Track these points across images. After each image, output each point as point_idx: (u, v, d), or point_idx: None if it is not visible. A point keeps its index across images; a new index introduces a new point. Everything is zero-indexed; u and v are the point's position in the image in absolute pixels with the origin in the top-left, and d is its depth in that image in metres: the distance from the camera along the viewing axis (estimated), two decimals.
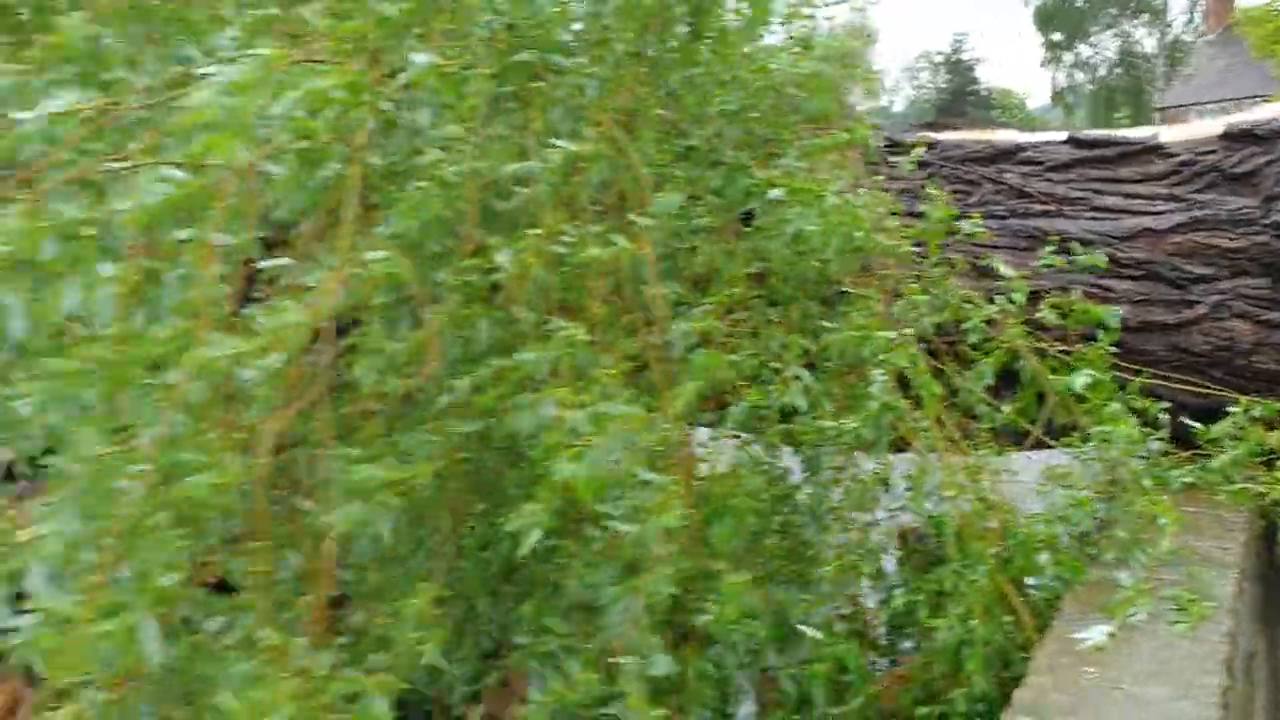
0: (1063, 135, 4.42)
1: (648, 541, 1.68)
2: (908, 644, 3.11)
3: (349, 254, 1.72)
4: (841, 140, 2.82)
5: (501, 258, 1.95)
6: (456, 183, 2.02)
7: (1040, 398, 3.27)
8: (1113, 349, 3.25)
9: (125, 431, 1.54)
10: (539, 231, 1.99)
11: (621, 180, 2.28)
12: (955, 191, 3.96)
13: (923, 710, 2.61)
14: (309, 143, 1.69)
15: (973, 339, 3.18)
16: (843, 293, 3.01)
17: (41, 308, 1.55)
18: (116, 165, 1.66)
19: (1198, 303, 3.57)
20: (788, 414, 2.62)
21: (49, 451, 2.38)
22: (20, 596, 1.77)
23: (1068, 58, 46.32)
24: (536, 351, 1.88)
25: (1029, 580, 2.81)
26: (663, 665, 1.74)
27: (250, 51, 1.84)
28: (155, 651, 1.44)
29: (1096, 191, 4.03)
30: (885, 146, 3.77)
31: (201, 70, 1.93)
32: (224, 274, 1.63)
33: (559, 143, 2.09)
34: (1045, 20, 45.74)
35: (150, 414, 1.52)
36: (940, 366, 3.03)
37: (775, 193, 2.51)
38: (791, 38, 3.04)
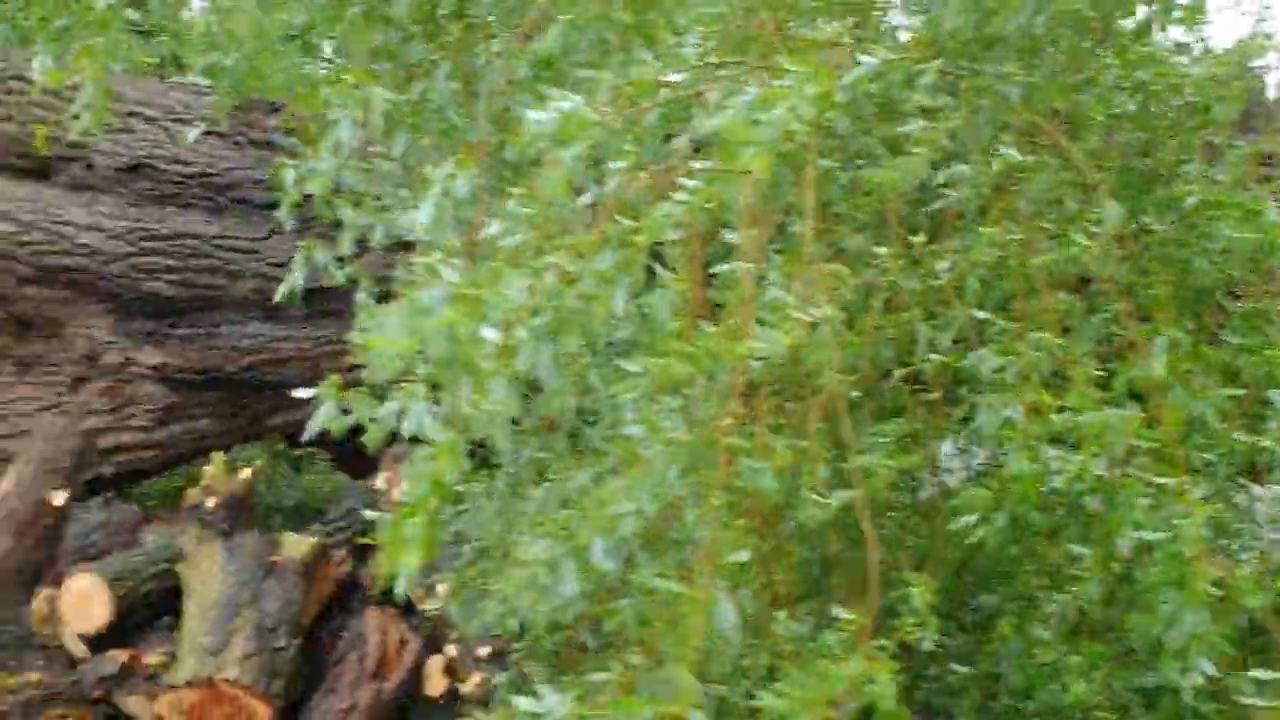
0: None
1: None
2: None
3: (812, 255, 1.79)
4: (1262, 149, 2.69)
5: (941, 264, 1.98)
6: (883, 186, 2.07)
7: None
8: None
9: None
10: (992, 230, 2.01)
11: (1052, 187, 2.26)
12: None
13: None
14: (791, 145, 1.77)
15: None
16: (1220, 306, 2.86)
17: (597, 310, 1.69)
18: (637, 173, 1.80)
19: None
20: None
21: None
22: None
23: None
24: (998, 354, 1.90)
25: None
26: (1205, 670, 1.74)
27: (709, 59, 1.96)
28: (730, 625, 1.55)
29: None
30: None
31: (666, 78, 2.06)
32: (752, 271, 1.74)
33: (1004, 150, 2.10)
34: None
35: (706, 402, 1.65)
36: None
37: (1191, 200, 2.43)
38: (1180, 42, 2.92)
